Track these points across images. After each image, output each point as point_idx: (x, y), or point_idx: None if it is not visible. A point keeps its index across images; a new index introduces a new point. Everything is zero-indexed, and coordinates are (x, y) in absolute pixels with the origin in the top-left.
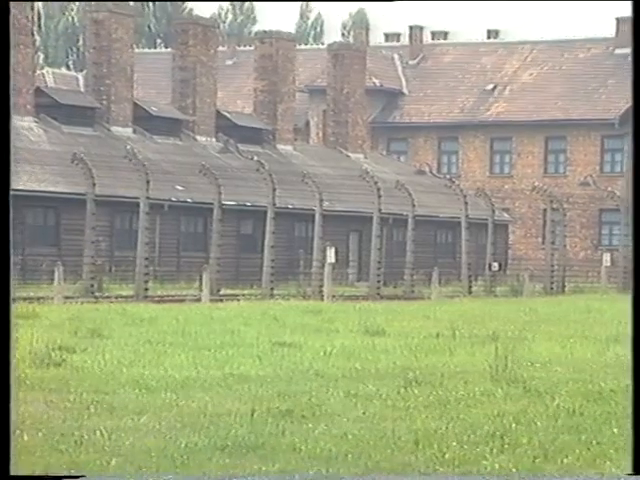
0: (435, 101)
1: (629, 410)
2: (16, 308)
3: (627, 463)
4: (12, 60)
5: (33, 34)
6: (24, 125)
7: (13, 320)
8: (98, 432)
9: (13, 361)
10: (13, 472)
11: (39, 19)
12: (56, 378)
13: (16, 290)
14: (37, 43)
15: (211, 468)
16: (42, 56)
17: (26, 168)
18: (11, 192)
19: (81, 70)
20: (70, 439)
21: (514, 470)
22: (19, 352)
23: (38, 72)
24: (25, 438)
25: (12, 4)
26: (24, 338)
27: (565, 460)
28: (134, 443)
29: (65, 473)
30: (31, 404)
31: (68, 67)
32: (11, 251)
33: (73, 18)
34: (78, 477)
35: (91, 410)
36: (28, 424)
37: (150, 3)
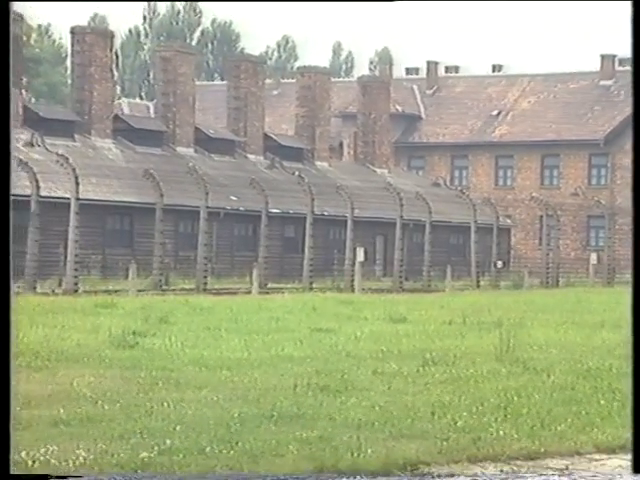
0: (448, 124)
1: (614, 385)
2: (97, 299)
3: (611, 430)
4: (94, 92)
5: (112, 70)
6: (104, 146)
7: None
8: (165, 403)
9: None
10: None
11: (117, 57)
12: (130, 358)
13: (97, 284)
14: (115, 77)
15: (260, 434)
16: (120, 88)
17: (106, 182)
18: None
19: (152, 100)
20: (142, 409)
21: (515, 436)
22: (100, 336)
23: (116, 102)
24: (106, 407)
25: (96, 47)
26: (104, 324)
27: (559, 428)
28: (195, 413)
29: (67, 472)
30: (110, 379)
31: (141, 97)
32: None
33: (145, 56)
34: (78, 477)
35: (159, 385)
36: (108, 396)
37: (209, 44)
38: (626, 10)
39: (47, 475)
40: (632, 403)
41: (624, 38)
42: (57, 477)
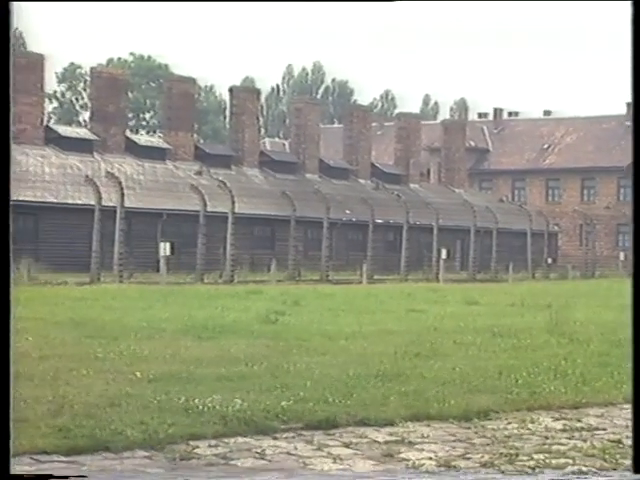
0: (510, 155)
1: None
2: (248, 287)
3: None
4: (246, 134)
5: (258, 117)
6: (252, 174)
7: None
8: (299, 364)
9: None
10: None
11: (262, 108)
12: (272, 331)
13: (247, 276)
14: (261, 123)
15: (369, 388)
16: (264, 131)
17: (253, 200)
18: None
19: (287, 139)
20: (282, 369)
21: (563, 390)
22: (250, 314)
23: (261, 141)
24: (255, 368)
25: (247, 101)
26: (253, 306)
27: (596, 384)
28: (321, 372)
29: (71, 472)
30: (257, 347)
31: (279, 137)
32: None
33: (283, 107)
34: (79, 477)
35: (294, 351)
36: (256, 359)
37: (330, 97)
38: None
39: (48, 475)
40: (633, 406)
41: None
42: (59, 477)
